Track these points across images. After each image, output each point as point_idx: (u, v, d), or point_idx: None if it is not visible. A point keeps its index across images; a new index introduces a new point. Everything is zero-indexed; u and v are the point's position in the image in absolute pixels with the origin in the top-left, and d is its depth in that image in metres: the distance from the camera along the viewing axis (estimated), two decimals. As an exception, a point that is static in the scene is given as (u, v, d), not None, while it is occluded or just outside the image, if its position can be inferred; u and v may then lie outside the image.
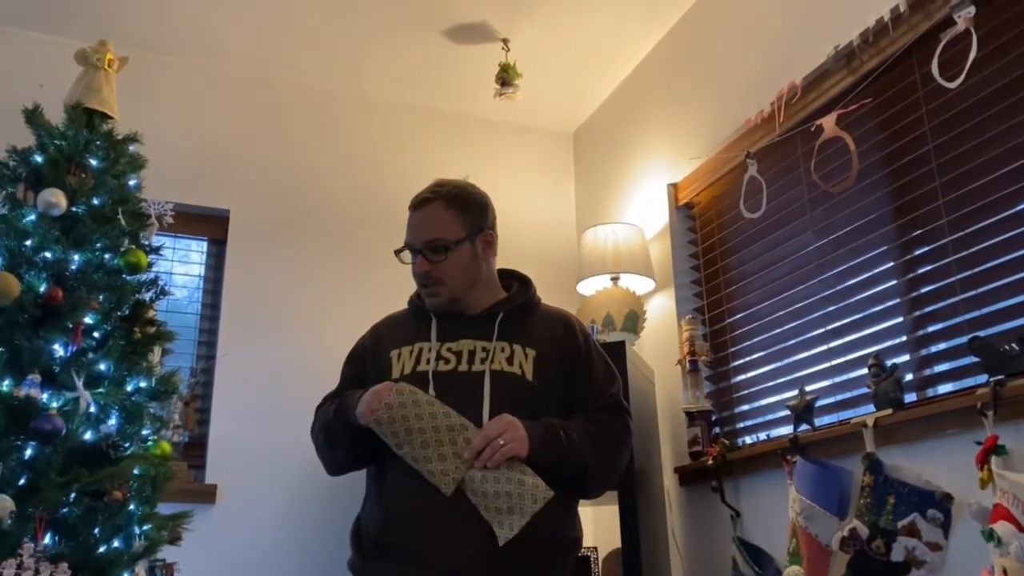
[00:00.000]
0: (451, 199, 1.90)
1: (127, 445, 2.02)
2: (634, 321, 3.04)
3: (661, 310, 3.16)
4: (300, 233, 3.47)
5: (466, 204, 1.91)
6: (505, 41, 3.41)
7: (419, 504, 1.69)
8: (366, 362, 1.91)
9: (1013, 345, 1.76)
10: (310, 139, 3.62)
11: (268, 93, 3.61)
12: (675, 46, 3.36)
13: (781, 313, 2.60)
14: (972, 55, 1.95)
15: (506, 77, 3.35)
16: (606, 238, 3.14)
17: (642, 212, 3.37)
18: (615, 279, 3.15)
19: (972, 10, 1.97)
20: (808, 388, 2.38)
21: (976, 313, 1.99)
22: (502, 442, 1.66)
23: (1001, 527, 1.58)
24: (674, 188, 3.19)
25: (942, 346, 2.10)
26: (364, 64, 3.58)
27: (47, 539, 1.79)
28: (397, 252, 1.92)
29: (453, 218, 1.88)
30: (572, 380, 1.85)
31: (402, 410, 1.68)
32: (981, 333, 1.91)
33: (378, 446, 1.75)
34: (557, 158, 4.10)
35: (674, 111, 3.30)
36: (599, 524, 3.20)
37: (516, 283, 2.00)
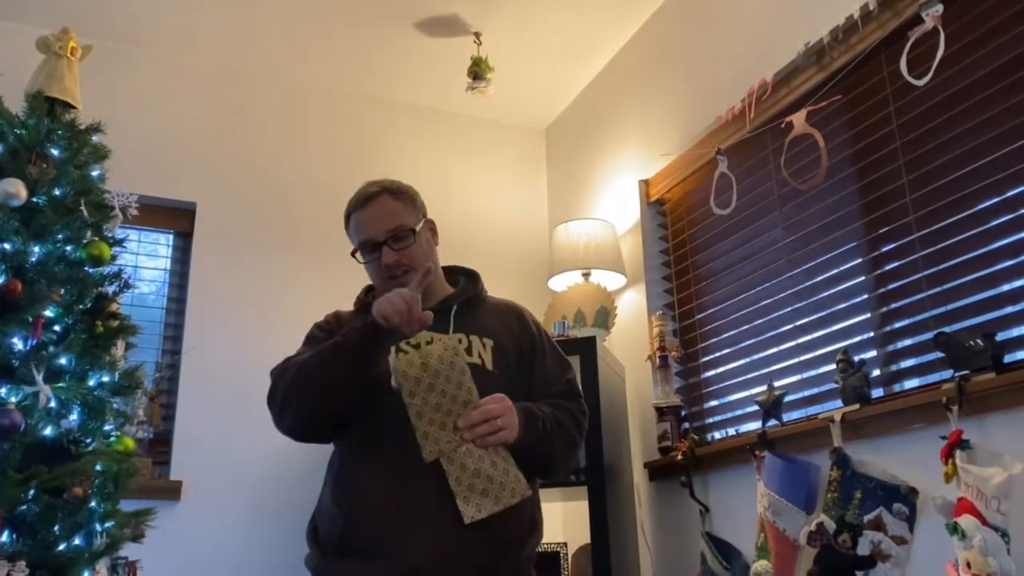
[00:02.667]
0: (395, 191, 1.90)
1: (89, 441, 1.97)
2: (605, 317, 3.05)
3: (632, 306, 3.16)
4: (268, 227, 3.43)
5: (408, 194, 1.92)
6: (477, 35, 3.39)
7: (382, 500, 1.67)
8: (332, 334, 1.84)
9: (978, 341, 1.78)
10: (279, 132, 3.58)
11: (236, 85, 3.56)
12: (647, 42, 3.37)
13: (750, 309, 2.62)
14: (940, 53, 1.97)
15: (478, 71, 3.33)
16: (578, 234, 3.14)
17: (613, 208, 3.37)
18: (586, 275, 3.15)
19: (940, 8, 1.99)
20: (777, 384, 2.39)
21: (942, 309, 2.01)
22: (500, 425, 1.64)
23: (965, 521, 1.60)
24: (645, 184, 3.19)
25: (908, 342, 2.12)
26: (334, 56, 3.55)
27: (4, 537, 1.74)
28: (353, 253, 1.90)
29: (404, 207, 1.89)
30: (530, 368, 1.86)
31: (439, 364, 1.64)
32: (946, 329, 1.93)
33: (357, 398, 1.72)
34: (529, 154, 4.09)
35: (646, 107, 3.30)
36: (568, 520, 3.19)
37: (463, 277, 2.00)
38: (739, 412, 2.63)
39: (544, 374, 1.87)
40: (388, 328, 1.64)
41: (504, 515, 1.67)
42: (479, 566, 1.65)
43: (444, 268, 1.99)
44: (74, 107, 2.28)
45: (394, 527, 1.65)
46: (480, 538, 1.64)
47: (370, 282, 1.97)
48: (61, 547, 1.82)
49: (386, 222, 1.85)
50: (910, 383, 2.10)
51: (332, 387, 1.72)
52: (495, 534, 1.67)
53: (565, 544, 3.01)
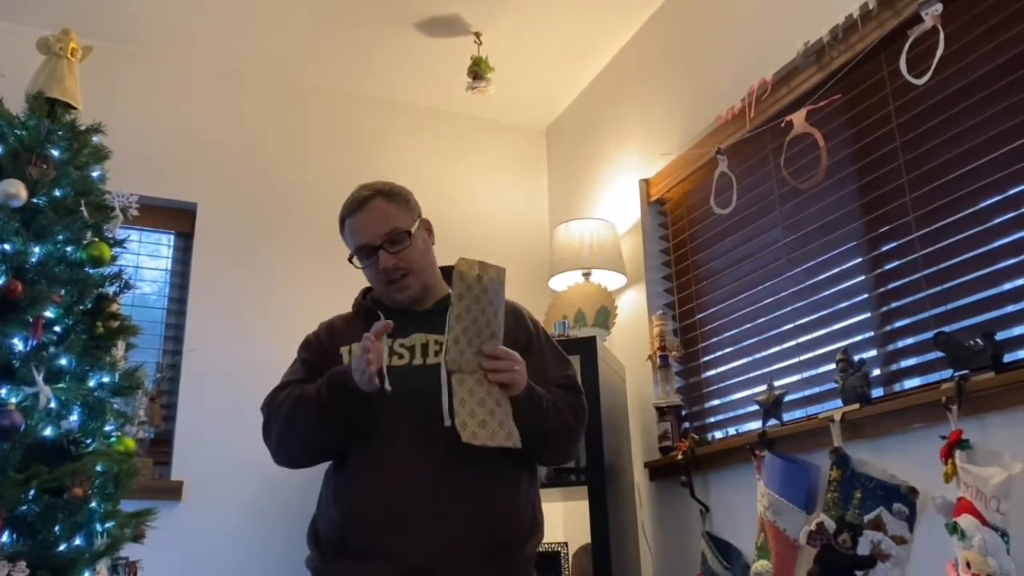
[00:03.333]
0: (388, 193, 1.89)
1: (89, 441, 1.97)
2: (605, 317, 3.05)
3: (632, 306, 3.16)
4: (269, 228, 3.43)
5: (401, 196, 1.92)
6: (477, 35, 3.39)
7: (382, 500, 1.67)
8: (320, 354, 1.87)
9: (977, 340, 1.78)
10: (279, 132, 3.58)
11: (237, 85, 3.56)
12: (647, 42, 3.36)
13: (751, 309, 2.61)
14: (939, 52, 1.97)
15: (478, 71, 3.33)
16: (578, 234, 3.14)
17: (614, 208, 3.37)
18: (587, 275, 3.15)
19: (939, 7, 1.99)
20: (777, 383, 2.39)
21: (942, 308, 2.01)
22: (516, 369, 1.68)
23: (965, 520, 1.60)
24: (646, 184, 3.19)
25: (908, 341, 2.12)
26: (334, 56, 3.55)
27: (5, 537, 1.74)
28: (350, 258, 1.89)
29: (398, 209, 1.88)
30: (527, 366, 1.85)
31: (490, 284, 1.64)
32: (946, 328, 1.93)
33: (346, 422, 1.73)
34: (530, 153, 4.09)
35: (646, 107, 3.30)
36: (569, 520, 3.20)
37: None
38: (739, 412, 2.63)
39: (542, 370, 1.86)
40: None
41: (504, 515, 1.67)
42: (479, 566, 1.66)
43: (442, 268, 1.99)
44: (74, 108, 2.28)
45: (394, 527, 1.65)
46: (480, 538, 1.64)
47: (368, 284, 1.97)
48: (61, 547, 1.82)
49: (381, 226, 1.84)
50: (910, 383, 2.10)
51: (317, 438, 1.77)
52: (495, 534, 1.67)
53: (565, 544, 3.01)
